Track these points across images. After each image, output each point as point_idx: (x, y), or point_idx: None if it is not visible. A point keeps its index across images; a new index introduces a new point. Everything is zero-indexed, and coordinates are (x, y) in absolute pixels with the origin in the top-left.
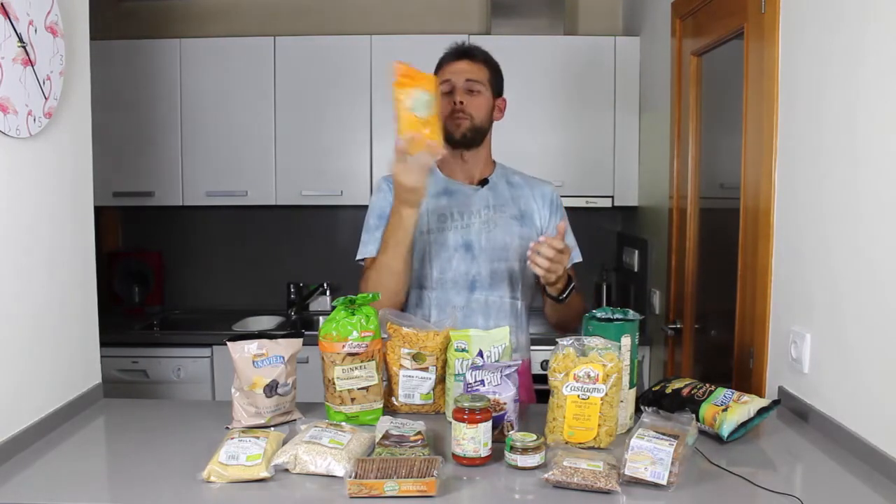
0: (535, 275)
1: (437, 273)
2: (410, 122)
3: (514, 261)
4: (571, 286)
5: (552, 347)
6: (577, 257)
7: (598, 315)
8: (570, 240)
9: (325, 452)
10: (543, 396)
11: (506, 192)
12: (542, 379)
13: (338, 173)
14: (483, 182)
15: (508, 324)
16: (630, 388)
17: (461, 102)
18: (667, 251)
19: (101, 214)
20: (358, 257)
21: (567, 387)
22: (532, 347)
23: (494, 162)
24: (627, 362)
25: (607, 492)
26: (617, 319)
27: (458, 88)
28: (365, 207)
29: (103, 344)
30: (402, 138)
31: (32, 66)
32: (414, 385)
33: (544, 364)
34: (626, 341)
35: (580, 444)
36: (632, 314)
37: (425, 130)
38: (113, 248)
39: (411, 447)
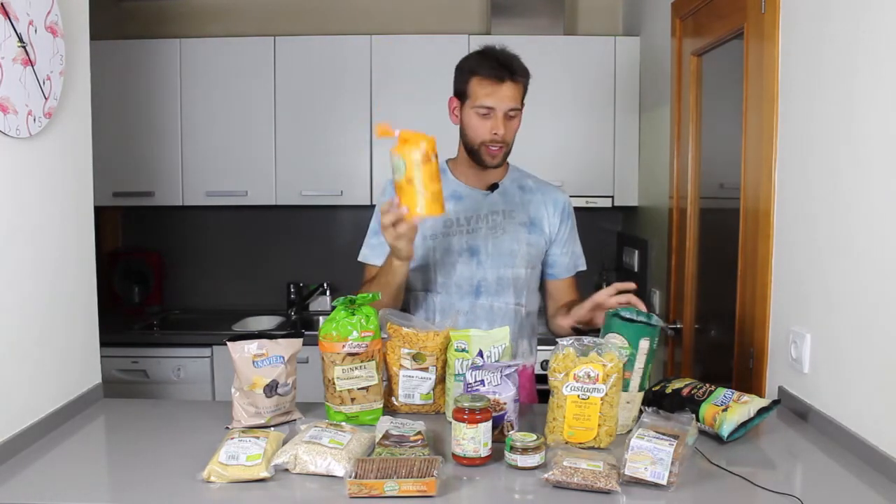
0: (542, 279)
1: (441, 278)
2: (395, 185)
3: (520, 267)
4: None
5: (552, 347)
6: (581, 265)
7: (623, 314)
8: (577, 248)
9: (325, 452)
10: (544, 396)
11: (516, 198)
12: (543, 379)
13: (338, 173)
14: (493, 186)
15: (514, 328)
16: (640, 390)
17: (502, 133)
18: (667, 251)
19: (101, 214)
20: (358, 258)
21: (567, 387)
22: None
23: (508, 164)
24: (641, 365)
25: (607, 492)
26: (640, 321)
27: (500, 117)
28: (365, 207)
29: (103, 344)
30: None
31: (32, 66)
32: (414, 385)
33: (544, 364)
34: (644, 344)
35: (580, 444)
36: (655, 319)
37: (400, 196)
38: (113, 248)
39: (411, 447)
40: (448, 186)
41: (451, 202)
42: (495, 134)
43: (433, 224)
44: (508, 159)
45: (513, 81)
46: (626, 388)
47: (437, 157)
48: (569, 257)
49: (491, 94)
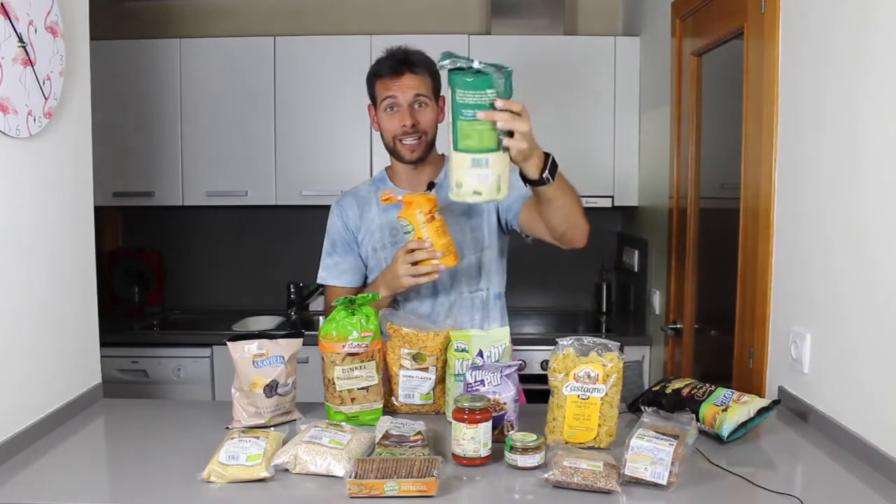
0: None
1: None
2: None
3: (469, 255)
4: (551, 160)
5: (552, 347)
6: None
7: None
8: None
9: (325, 452)
10: (543, 396)
11: None
12: (543, 379)
13: (338, 173)
14: (430, 185)
15: (474, 317)
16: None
17: (412, 124)
18: (667, 251)
19: (101, 214)
20: (318, 280)
21: (567, 387)
22: (532, 347)
23: (442, 156)
24: (449, 119)
25: (607, 492)
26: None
27: (405, 108)
28: None
29: (103, 344)
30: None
31: (32, 66)
32: (414, 385)
33: (544, 364)
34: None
35: (580, 444)
36: (470, 62)
37: (437, 254)
38: (113, 248)
39: (411, 447)
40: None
41: (394, 210)
42: (403, 126)
43: (381, 236)
44: (443, 152)
45: (412, 73)
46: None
47: (440, 211)
48: (514, 192)
49: (391, 88)
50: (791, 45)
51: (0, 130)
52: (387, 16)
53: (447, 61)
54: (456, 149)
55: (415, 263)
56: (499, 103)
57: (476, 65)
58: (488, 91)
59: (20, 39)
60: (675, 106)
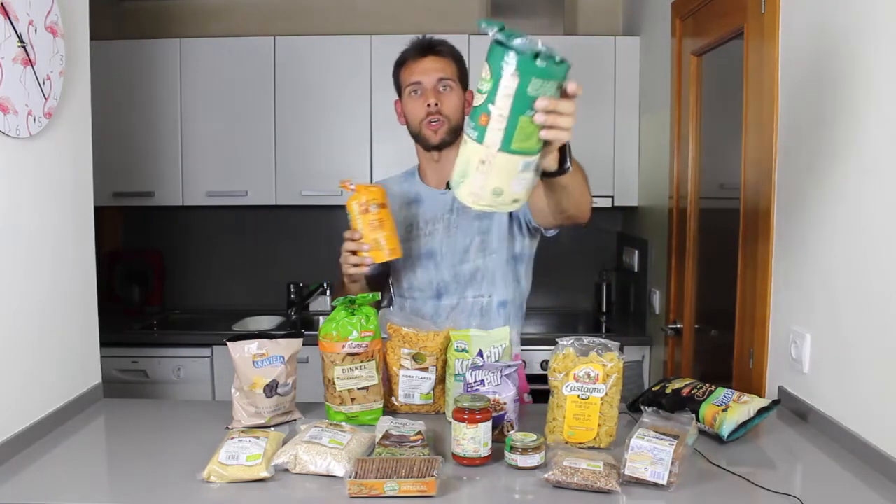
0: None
1: (406, 283)
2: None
3: (476, 259)
4: (567, 150)
5: (552, 347)
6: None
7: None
8: None
9: (325, 452)
10: (543, 396)
11: None
12: (542, 379)
13: (338, 173)
14: (448, 184)
15: (471, 323)
16: (503, 149)
17: (436, 104)
18: (667, 251)
19: (101, 214)
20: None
21: (567, 387)
22: (532, 347)
23: None
24: (505, 112)
25: (607, 492)
26: (508, 44)
27: (429, 89)
28: None
29: (103, 344)
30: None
31: (32, 66)
32: (414, 385)
33: (544, 364)
34: (509, 80)
35: (580, 444)
36: (544, 50)
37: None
38: (113, 248)
39: (411, 447)
40: (413, 188)
41: (414, 206)
42: (428, 105)
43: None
44: None
45: (435, 55)
46: (480, 138)
47: (381, 205)
48: None
49: (415, 71)
50: (791, 45)
51: (0, 130)
52: (387, 16)
53: (523, 40)
54: (508, 150)
55: (355, 253)
56: (572, 88)
57: (541, 47)
58: (562, 81)
59: (20, 39)
60: (675, 106)
